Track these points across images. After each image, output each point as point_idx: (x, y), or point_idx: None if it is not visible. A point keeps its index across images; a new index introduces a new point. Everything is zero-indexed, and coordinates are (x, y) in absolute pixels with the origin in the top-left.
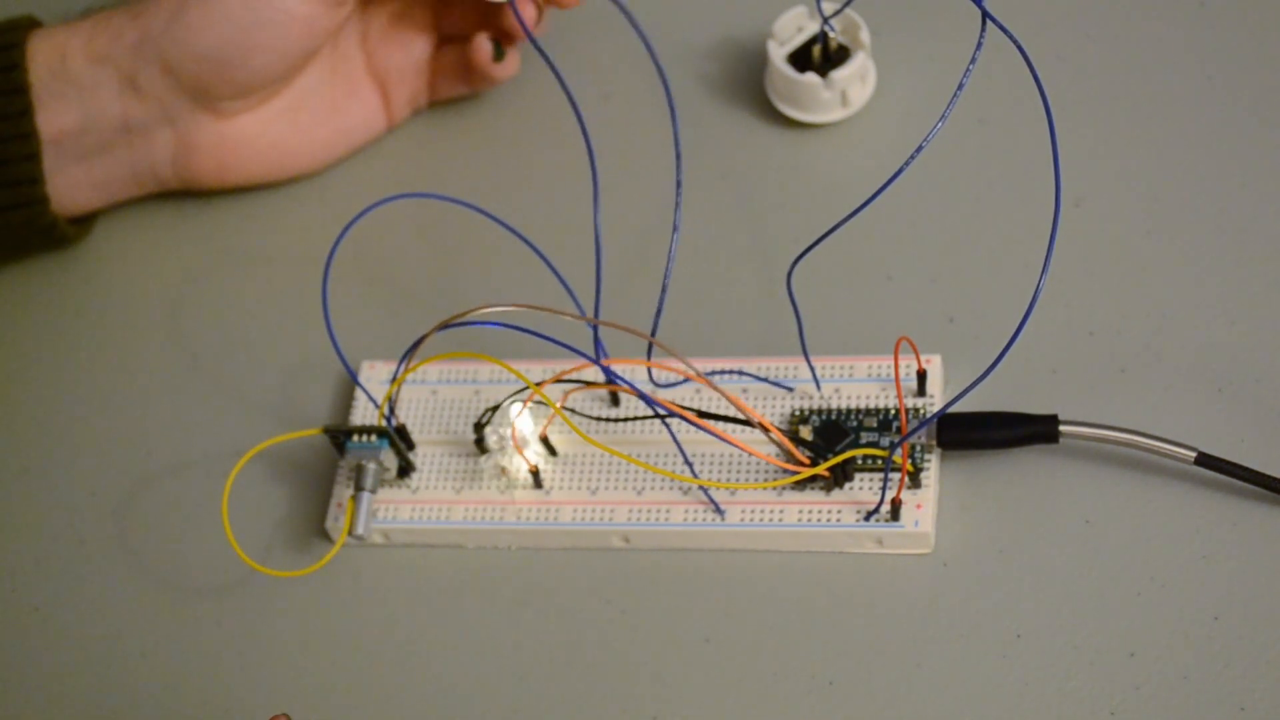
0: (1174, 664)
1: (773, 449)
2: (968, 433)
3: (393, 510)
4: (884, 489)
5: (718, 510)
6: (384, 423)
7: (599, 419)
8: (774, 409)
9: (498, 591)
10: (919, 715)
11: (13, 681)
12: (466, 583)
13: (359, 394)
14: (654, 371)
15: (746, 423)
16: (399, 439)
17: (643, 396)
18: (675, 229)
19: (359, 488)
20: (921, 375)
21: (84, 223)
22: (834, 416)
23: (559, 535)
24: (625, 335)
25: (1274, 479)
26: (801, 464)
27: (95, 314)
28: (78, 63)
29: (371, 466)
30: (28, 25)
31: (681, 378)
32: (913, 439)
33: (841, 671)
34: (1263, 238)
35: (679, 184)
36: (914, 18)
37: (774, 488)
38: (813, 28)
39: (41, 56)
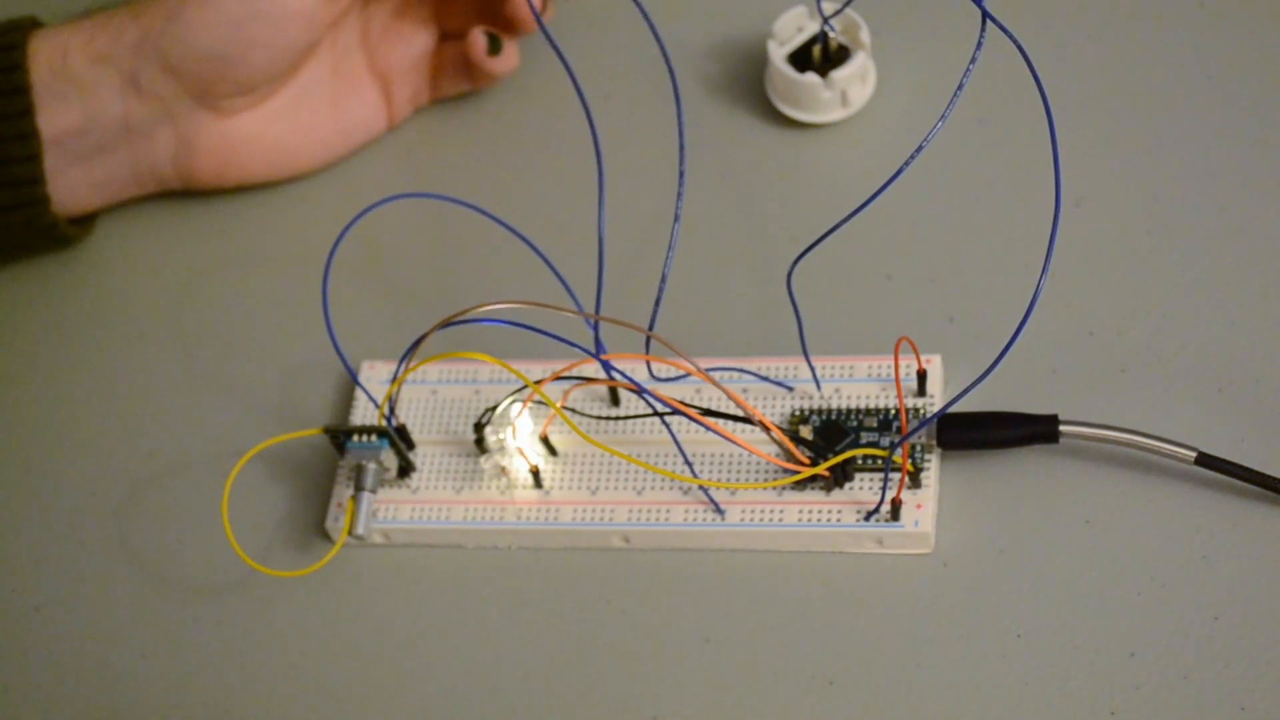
0: (1174, 664)
1: (773, 448)
2: (968, 433)
3: (393, 510)
4: (884, 489)
5: (718, 510)
6: (384, 423)
7: (599, 418)
8: (774, 409)
9: (498, 591)
10: (919, 715)
11: (13, 681)
12: (466, 583)
13: (359, 394)
14: (654, 370)
15: (747, 420)
16: (399, 439)
17: (643, 391)
18: (676, 219)
19: (359, 488)
20: (921, 375)
21: (84, 223)
22: (834, 416)
23: (559, 535)
24: (625, 336)
25: (1274, 479)
26: (801, 464)
27: (95, 314)
28: (79, 63)
29: (371, 466)
30: (29, 25)
31: (680, 373)
32: (913, 439)
33: (841, 671)
34: (1263, 238)
35: (681, 174)
36: (914, 18)
37: (774, 487)
38: (813, 28)
39: (42, 57)
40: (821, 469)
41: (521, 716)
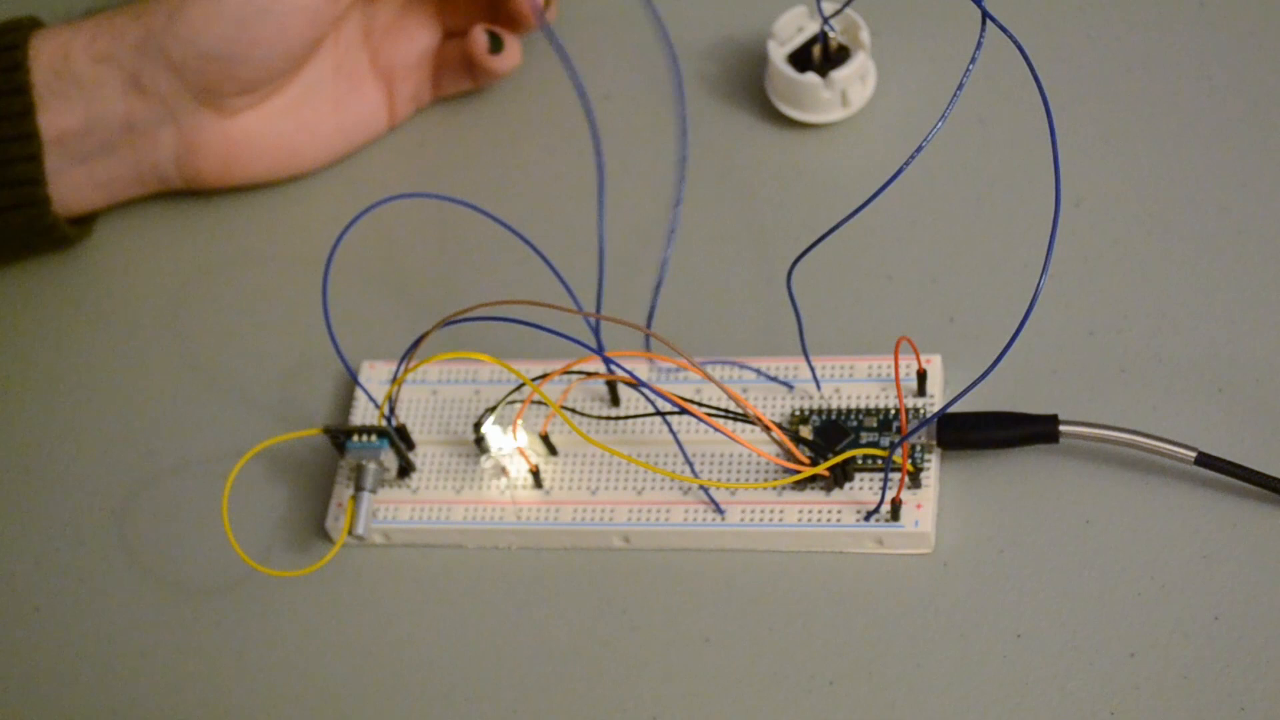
0: (1174, 664)
1: (773, 448)
2: (968, 433)
3: (393, 510)
4: (884, 489)
5: (718, 510)
6: (384, 423)
7: (599, 418)
8: (774, 409)
9: (498, 591)
10: (919, 715)
11: (13, 681)
12: (466, 583)
13: (359, 394)
14: (654, 369)
15: (747, 420)
16: (399, 439)
17: (643, 385)
18: (679, 202)
19: (359, 488)
20: (921, 375)
21: (84, 223)
22: (834, 416)
23: (559, 535)
24: (626, 336)
25: (1274, 479)
26: (801, 464)
27: (95, 314)
28: (81, 63)
29: (371, 466)
30: (30, 25)
31: (678, 369)
32: (913, 439)
33: (841, 671)
34: (1263, 238)
35: (684, 159)
36: (914, 18)
37: (774, 487)
38: (813, 28)
39: (44, 57)
40: (821, 469)
41: (521, 716)
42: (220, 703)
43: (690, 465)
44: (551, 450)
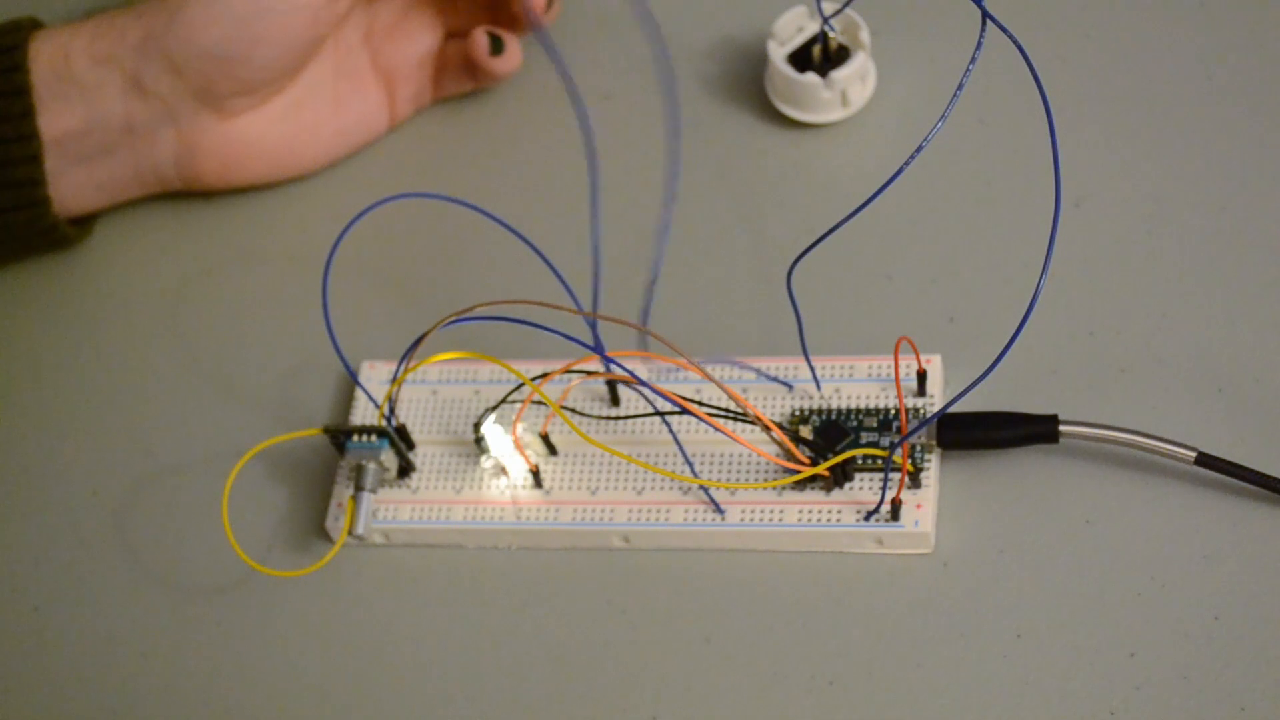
0: (1174, 664)
1: (773, 448)
2: (968, 433)
3: (393, 510)
4: (884, 489)
5: (718, 510)
6: (384, 423)
7: (599, 418)
8: (774, 409)
9: (498, 591)
10: (919, 715)
11: (13, 681)
12: (466, 583)
13: (359, 394)
14: (652, 367)
15: (747, 420)
16: (399, 439)
17: (643, 384)
18: (674, 199)
19: (359, 488)
20: (921, 375)
21: (85, 223)
22: (834, 416)
23: (559, 535)
24: (627, 336)
25: (1274, 479)
26: (801, 464)
27: (95, 314)
28: (81, 64)
29: (371, 466)
30: (30, 26)
31: (679, 370)
32: (913, 439)
33: (841, 671)
34: (1263, 238)
35: (679, 158)
36: (914, 18)
37: (774, 487)
38: (813, 28)
39: (44, 58)
40: (821, 469)
41: (521, 716)
42: (220, 703)
43: (690, 465)
44: (551, 450)
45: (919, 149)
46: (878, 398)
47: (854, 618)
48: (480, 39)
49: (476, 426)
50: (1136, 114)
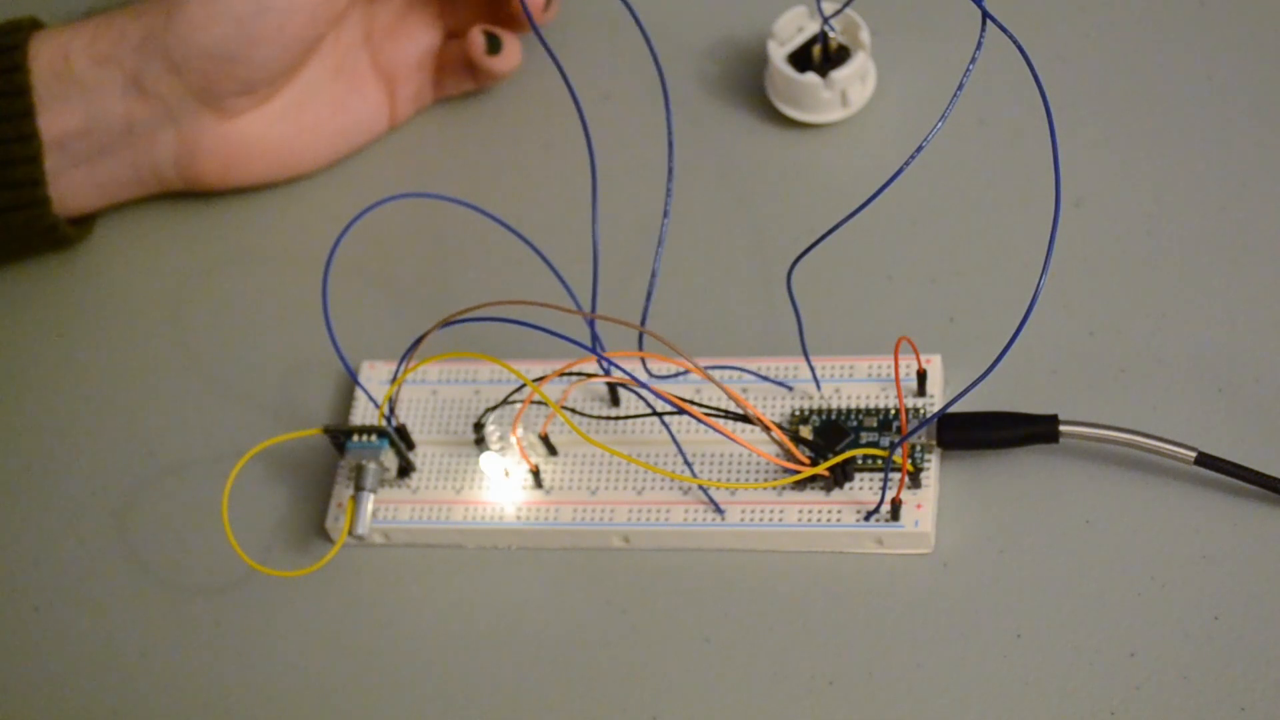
0: (1174, 664)
1: (773, 448)
2: (968, 433)
3: (393, 510)
4: (884, 489)
5: (718, 510)
6: (384, 423)
7: (599, 418)
8: (774, 409)
9: (498, 591)
10: (919, 715)
11: (13, 681)
12: (466, 583)
13: (359, 394)
14: (652, 367)
15: (747, 420)
16: (399, 439)
17: (642, 385)
18: (665, 215)
19: (359, 488)
20: (921, 375)
21: (85, 223)
22: (834, 416)
23: (559, 535)
24: (628, 336)
25: (1274, 479)
26: (801, 464)
27: (95, 314)
28: (81, 64)
29: (371, 466)
30: (30, 26)
31: (680, 372)
32: (913, 439)
33: (841, 671)
34: (1263, 238)
35: (670, 171)
36: (914, 18)
37: (774, 487)
38: (813, 28)
39: (44, 58)
40: (821, 469)
41: (521, 716)
42: (220, 703)
43: (690, 466)
44: (551, 450)
45: (919, 149)
46: (878, 398)
47: (854, 618)
48: (477, 38)
49: (477, 427)
50: (1136, 114)
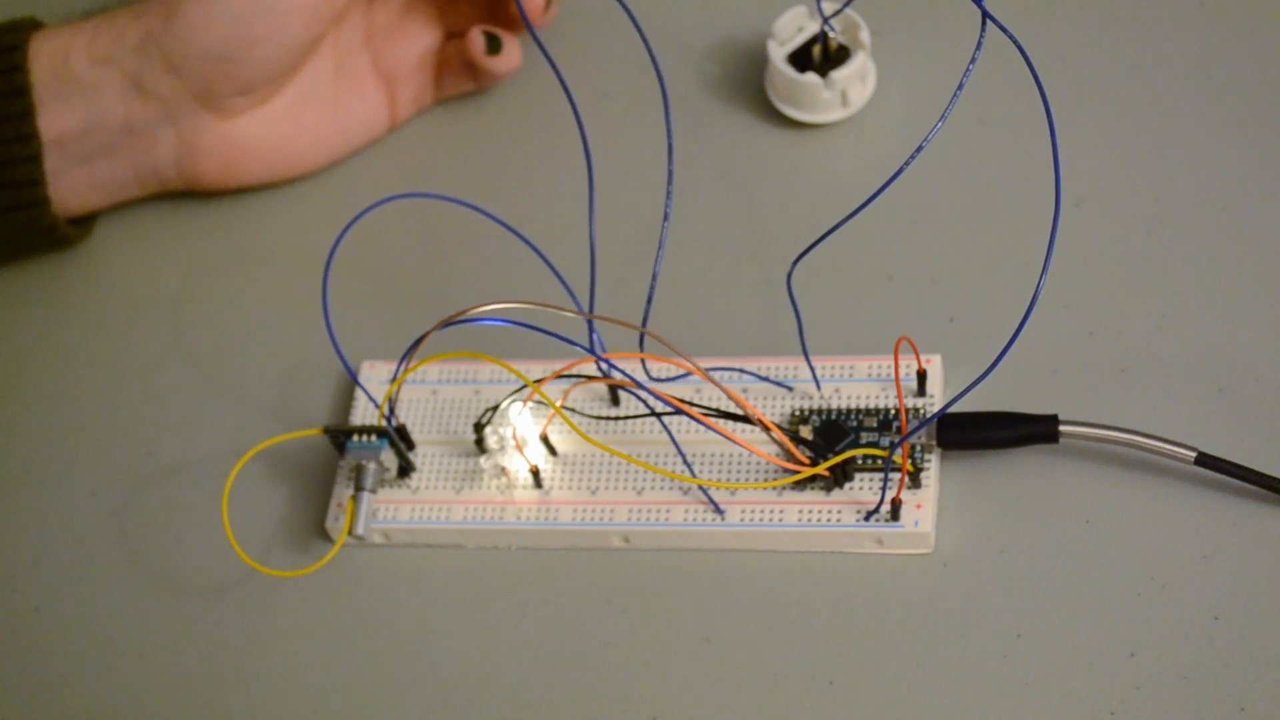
0: (1174, 664)
1: (773, 448)
2: (968, 433)
3: (393, 510)
4: (884, 489)
5: (718, 510)
6: (384, 423)
7: (599, 418)
8: (774, 409)
9: (498, 591)
10: (919, 715)
11: (13, 681)
12: (466, 583)
13: (359, 394)
14: (652, 368)
15: (747, 420)
16: (399, 439)
17: (641, 386)
18: (665, 217)
19: (359, 488)
20: (921, 375)
21: (85, 223)
22: (834, 416)
23: (559, 535)
24: (629, 336)
25: (1274, 479)
26: (801, 464)
27: (95, 314)
28: (80, 64)
29: (371, 466)
30: (30, 26)
31: (679, 371)
32: (913, 439)
33: (841, 671)
34: (1263, 238)
35: (670, 172)
36: (914, 18)
37: (774, 487)
38: (813, 28)
39: (44, 58)
40: (821, 469)
41: (521, 716)
42: (220, 703)
43: (689, 466)
44: (551, 450)
45: (919, 149)
46: (878, 398)
47: (854, 618)
48: (476, 38)
49: (477, 427)
50: (1136, 114)
